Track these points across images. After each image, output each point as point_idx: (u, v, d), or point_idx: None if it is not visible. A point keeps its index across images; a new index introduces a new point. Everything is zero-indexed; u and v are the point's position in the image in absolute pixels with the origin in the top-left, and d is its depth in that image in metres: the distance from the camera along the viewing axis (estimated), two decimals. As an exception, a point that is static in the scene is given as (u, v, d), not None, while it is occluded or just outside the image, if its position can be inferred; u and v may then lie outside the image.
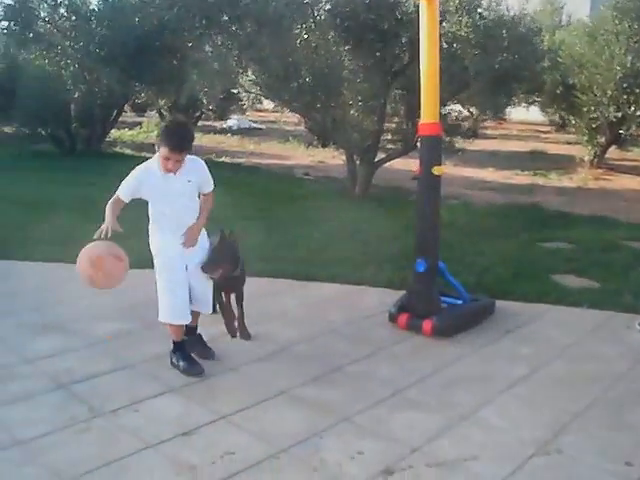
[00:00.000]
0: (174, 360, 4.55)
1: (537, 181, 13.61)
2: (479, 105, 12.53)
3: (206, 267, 4.44)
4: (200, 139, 21.10)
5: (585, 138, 15.63)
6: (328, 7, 10.52)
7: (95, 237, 4.12)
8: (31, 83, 15.37)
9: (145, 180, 4.35)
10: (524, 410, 4.04)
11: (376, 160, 11.21)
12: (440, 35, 5.45)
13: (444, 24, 9.98)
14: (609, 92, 13.66)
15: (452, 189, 11.43)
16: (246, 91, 12.62)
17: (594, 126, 14.84)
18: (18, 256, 7.07)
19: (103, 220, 4.20)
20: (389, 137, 11.71)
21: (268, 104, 15.02)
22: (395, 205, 10.22)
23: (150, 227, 4.53)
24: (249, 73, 11.53)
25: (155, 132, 22.53)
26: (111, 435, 3.69)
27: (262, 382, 4.35)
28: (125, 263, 4.25)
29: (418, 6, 5.41)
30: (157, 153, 4.24)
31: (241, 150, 18.17)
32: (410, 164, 12.85)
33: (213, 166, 13.44)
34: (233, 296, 4.91)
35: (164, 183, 4.32)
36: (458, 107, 12.21)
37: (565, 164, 15.60)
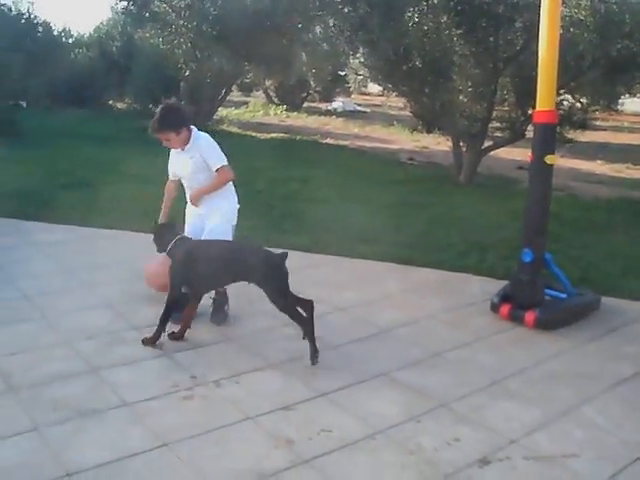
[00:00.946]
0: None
1: (650, 176, 13.11)
2: (591, 94, 12.10)
3: None
4: (305, 120, 21.32)
5: None
6: (442, -10, 10.38)
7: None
8: (145, 61, 15.87)
9: (171, 158, 5.02)
10: (627, 411, 3.92)
11: (483, 147, 11.03)
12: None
13: (562, 7, 9.69)
14: None
15: (558, 180, 10.98)
16: (355, 73, 12.66)
17: None
18: (132, 227, 7.29)
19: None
20: (497, 125, 11.49)
21: (373, 87, 15.01)
22: (500, 194, 10.05)
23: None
24: (359, 55, 11.54)
25: (261, 112, 22.90)
26: (212, 404, 3.81)
27: (362, 363, 4.38)
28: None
29: (537, -10, 5.28)
30: None
31: (345, 132, 18.22)
32: (514, 153, 12.64)
33: (317, 147, 13.59)
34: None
35: (177, 159, 4.95)
36: (569, 97, 11.85)
37: (683, 159, 14.93)
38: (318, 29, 14.09)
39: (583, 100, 13.09)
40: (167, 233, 4.76)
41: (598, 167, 14.13)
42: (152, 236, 4.86)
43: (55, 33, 22.89)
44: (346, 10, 10.51)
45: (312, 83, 16.32)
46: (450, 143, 11.45)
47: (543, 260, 5.28)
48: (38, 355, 4.33)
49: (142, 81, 16.11)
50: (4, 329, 4.72)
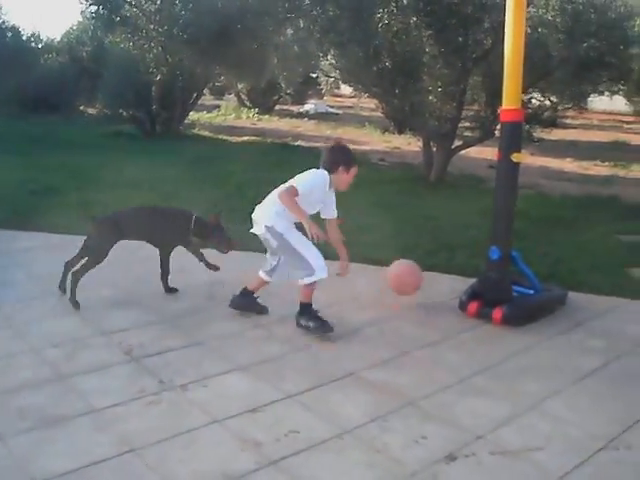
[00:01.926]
0: (302, 322, 4.90)
1: (617, 173, 13.24)
2: (560, 93, 12.22)
3: None
4: (277, 123, 21.33)
5: (672, 129, 15.13)
6: (412, -9, 10.43)
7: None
8: (115, 66, 15.81)
9: (320, 187, 4.95)
10: (593, 404, 3.97)
11: (453, 147, 11.10)
12: (526, 19, 5.36)
13: (530, 8, 9.78)
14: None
15: (528, 178, 11.17)
16: (326, 75, 12.69)
17: (682, 117, 14.35)
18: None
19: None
20: (467, 124, 11.57)
21: (345, 89, 15.04)
22: (470, 192, 10.12)
23: (283, 210, 4.83)
24: (329, 57, 11.56)
25: (233, 115, 22.88)
26: (180, 408, 3.80)
27: (330, 363, 4.40)
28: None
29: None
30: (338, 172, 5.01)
31: (317, 135, 18.22)
32: (485, 152, 12.72)
33: (289, 150, 13.64)
34: None
35: (324, 195, 5.02)
36: (537, 95, 11.96)
37: (648, 156, 15.12)
38: (289, 32, 14.09)
39: (553, 99, 13.21)
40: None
41: (567, 165, 14.27)
42: None
43: (24, 38, 22.68)
44: (315, 12, 10.52)
45: (283, 86, 16.27)
46: (421, 143, 11.50)
47: (510, 257, 5.33)
48: (4, 363, 4.29)
49: (113, 86, 16.01)
50: (-30, 338, 4.68)
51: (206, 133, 17.37)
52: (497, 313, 5.06)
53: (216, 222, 5.59)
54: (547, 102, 12.08)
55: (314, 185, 4.88)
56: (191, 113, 18.84)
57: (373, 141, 17.39)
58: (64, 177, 10.27)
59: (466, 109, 11.28)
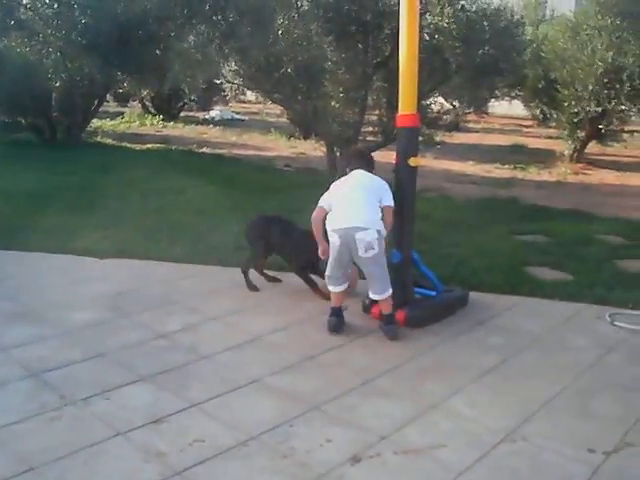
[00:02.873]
0: (396, 329, 5.08)
1: (517, 175, 13.67)
2: (461, 98, 12.57)
3: None
4: (182, 130, 21.11)
5: (566, 132, 15.72)
6: (311, -2, 10.54)
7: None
8: (11, 71, 15.25)
9: None
10: (493, 399, 4.09)
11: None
12: (422, 27, 5.50)
13: (427, 16, 10.02)
14: (590, 87, 13.75)
15: (432, 182, 11.47)
16: (228, 82, 12.61)
17: (575, 121, 14.93)
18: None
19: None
20: (370, 129, 11.73)
21: (251, 95, 15.01)
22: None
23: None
24: (231, 63, 11.51)
25: (137, 122, 22.48)
26: (81, 422, 3.71)
27: (234, 370, 4.37)
28: None
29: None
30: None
31: (223, 141, 18.12)
32: (390, 157, 12.86)
33: (194, 157, 13.47)
34: None
35: None
36: (440, 100, 12.25)
37: (545, 158, 15.67)
38: (191, 37, 13.95)
39: (455, 103, 13.56)
40: None
41: (470, 168, 14.62)
42: None
43: None
44: (215, 18, 10.49)
45: (187, 92, 16.08)
46: (325, 148, 11.59)
47: (411, 260, 5.43)
48: None
49: (9, 93, 15.45)
50: None
51: (109, 141, 17.02)
52: (400, 315, 5.14)
53: None
54: (449, 106, 12.41)
55: None
56: (94, 120, 18.41)
57: (279, 147, 17.40)
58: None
59: (368, 114, 11.44)
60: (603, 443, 3.58)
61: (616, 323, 5.32)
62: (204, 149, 15.87)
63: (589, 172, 14.35)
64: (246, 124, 23.71)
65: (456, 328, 5.21)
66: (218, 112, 25.29)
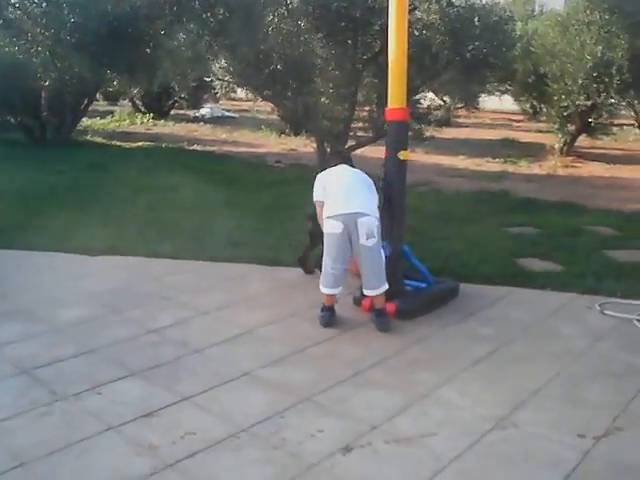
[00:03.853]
0: (390, 322, 5.11)
1: (507, 168, 13.70)
2: (451, 94, 12.57)
3: None
4: (172, 128, 21.07)
5: (556, 126, 15.77)
6: (300, -6, 10.51)
7: None
8: (0, 70, 15.19)
9: None
10: (484, 388, 4.11)
11: (346, 147, 11.23)
12: (411, 23, 5.53)
13: (416, 12, 10.01)
14: (580, 81, 13.79)
15: (423, 176, 11.50)
16: (218, 79, 12.56)
17: (565, 114, 14.97)
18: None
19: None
20: (360, 125, 11.72)
21: (242, 93, 14.94)
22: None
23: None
24: (221, 61, 11.48)
25: (127, 121, 22.43)
26: (73, 418, 3.71)
27: (225, 364, 4.38)
28: None
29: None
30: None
31: (213, 138, 18.11)
32: (380, 152, 12.87)
33: (184, 154, 13.47)
34: None
35: None
36: (431, 95, 12.25)
37: (536, 152, 15.72)
38: (181, 35, 13.91)
39: (446, 99, 13.56)
40: None
41: (460, 162, 14.65)
42: None
43: None
44: (205, 15, 10.46)
45: (177, 90, 16.02)
46: (315, 144, 11.58)
47: (402, 252, 5.44)
48: None
49: (-1, 91, 15.40)
50: None
51: (99, 139, 16.97)
52: (391, 307, 5.15)
53: None
54: (439, 102, 12.41)
55: None
56: (84, 119, 18.35)
57: (269, 144, 17.39)
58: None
59: (359, 110, 11.43)
60: (593, 428, 3.61)
61: (606, 312, 5.35)
62: (195, 146, 15.84)
63: (579, 165, 14.39)
64: (237, 121, 23.69)
65: (447, 319, 5.24)
66: (208, 110, 25.23)
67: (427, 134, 11.19)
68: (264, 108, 22.83)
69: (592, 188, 11.37)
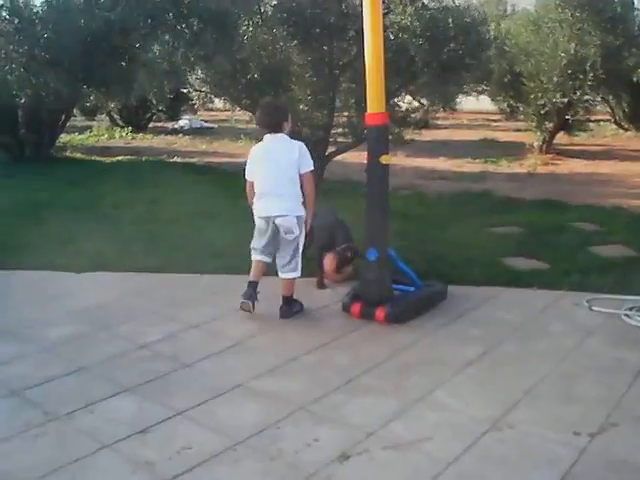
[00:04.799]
0: (294, 309, 5.45)
1: (488, 168, 13.79)
2: (429, 96, 12.62)
3: None
4: (151, 140, 21.01)
5: (534, 125, 15.92)
6: (274, 2, 10.52)
7: None
8: (-27, 89, 15.07)
9: None
10: (477, 390, 4.13)
11: (327, 153, 11.25)
12: (386, 26, 5.54)
13: (390, 15, 10.06)
14: (555, 79, 13.96)
15: (404, 179, 11.55)
16: (195, 90, 12.57)
17: (542, 112, 15.12)
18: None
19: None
20: (340, 130, 11.73)
21: (220, 103, 14.93)
22: (346, 197, 10.23)
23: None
24: (197, 71, 11.48)
25: (106, 135, 22.35)
26: (66, 438, 3.67)
27: (217, 377, 4.36)
28: None
29: (362, -3, 5.44)
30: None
31: (193, 150, 18.08)
32: (361, 157, 12.88)
33: (165, 167, 13.41)
34: None
35: None
36: (408, 98, 12.29)
37: (515, 151, 15.84)
38: (156, 47, 13.88)
39: (423, 101, 13.61)
40: None
41: (441, 164, 14.73)
42: None
43: None
44: (179, 27, 10.46)
45: (154, 102, 15.95)
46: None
47: (388, 257, 5.45)
48: None
49: (-27, 111, 15.29)
50: None
51: (79, 155, 16.87)
52: (380, 312, 5.16)
53: None
54: (416, 104, 12.46)
55: None
56: (62, 135, 18.25)
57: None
58: None
59: (337, 116, 11.45)
60: (588, 425, 3.64)
61: (594, 308, 5.39)
62: (175, 158, 15.80)
63: (559, 162, 14.52)
64: (216, 132, 23.66)
65: (436, 322, 5.25)
66: (187, 121, 25.19)
67: (407, 137, 11.22)
68: (243, 117, 22.86)
69: (573, 185, 11.47)
